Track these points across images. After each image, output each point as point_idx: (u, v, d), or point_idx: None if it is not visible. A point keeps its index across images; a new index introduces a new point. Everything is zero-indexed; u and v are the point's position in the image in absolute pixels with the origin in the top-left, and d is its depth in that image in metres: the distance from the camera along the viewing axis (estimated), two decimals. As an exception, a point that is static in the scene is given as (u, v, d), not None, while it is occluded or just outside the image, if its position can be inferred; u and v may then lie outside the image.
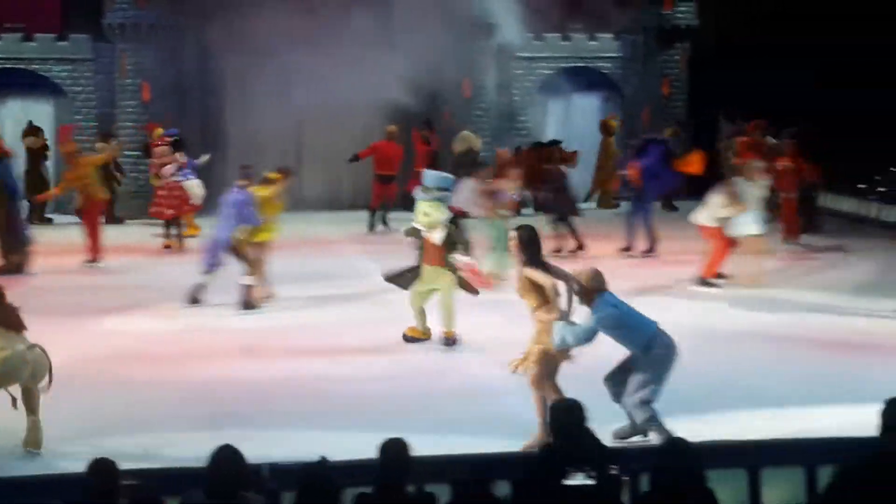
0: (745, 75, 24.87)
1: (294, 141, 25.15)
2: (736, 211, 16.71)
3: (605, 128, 26.05)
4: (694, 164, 19.78)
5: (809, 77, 24.78)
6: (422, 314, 13.79)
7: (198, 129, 24.27)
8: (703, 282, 16.89)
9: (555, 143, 21.92)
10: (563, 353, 9.83)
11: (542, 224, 16.37)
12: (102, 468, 6.90)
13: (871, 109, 24.81)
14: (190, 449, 8.62)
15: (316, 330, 14.46)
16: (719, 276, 17.02)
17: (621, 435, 9.74)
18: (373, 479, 6.89)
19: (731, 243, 16.92)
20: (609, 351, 9.85)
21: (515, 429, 9.92)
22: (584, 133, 26.71)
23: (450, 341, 13.66)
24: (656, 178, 19.72)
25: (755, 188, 17.08)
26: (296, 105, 23.19)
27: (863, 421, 7.63)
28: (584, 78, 27.46)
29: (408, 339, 13.81)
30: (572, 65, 27.33)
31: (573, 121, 27.27)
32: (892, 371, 12.05)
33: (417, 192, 14.05)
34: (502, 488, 7.31)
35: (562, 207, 19.71)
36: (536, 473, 7.02)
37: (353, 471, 7.38)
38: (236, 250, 15.35)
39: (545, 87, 27.28)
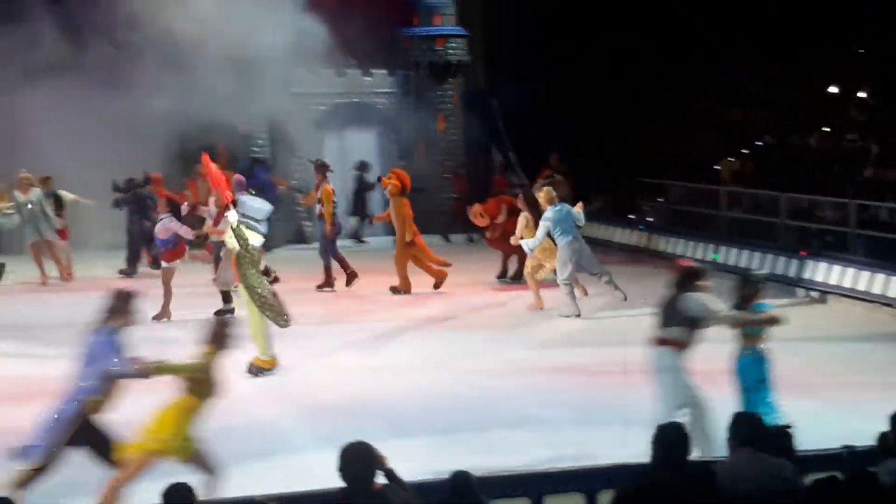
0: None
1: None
2: None
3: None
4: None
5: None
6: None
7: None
8: None
9: None
10: None
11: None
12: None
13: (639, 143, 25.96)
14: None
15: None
16: None
17: None
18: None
19: None
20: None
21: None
22: (361, 168, 26.95)
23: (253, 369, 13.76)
24: None
25: None
26: (63, 141, 22.64)
27: (634, 444, 7.88)
28: (359, 113, 27.67)
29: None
30: (347, 100, 27.50)
31: (349, 156, 27.42)
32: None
33: (232, 214, 14.08)
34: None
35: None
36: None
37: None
38: None
39: (321, 123, 27.35)
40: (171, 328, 16.21)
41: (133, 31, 22.63)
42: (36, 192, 20.61)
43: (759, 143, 26.74)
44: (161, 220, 17.39)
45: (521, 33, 29.13)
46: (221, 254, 17.49)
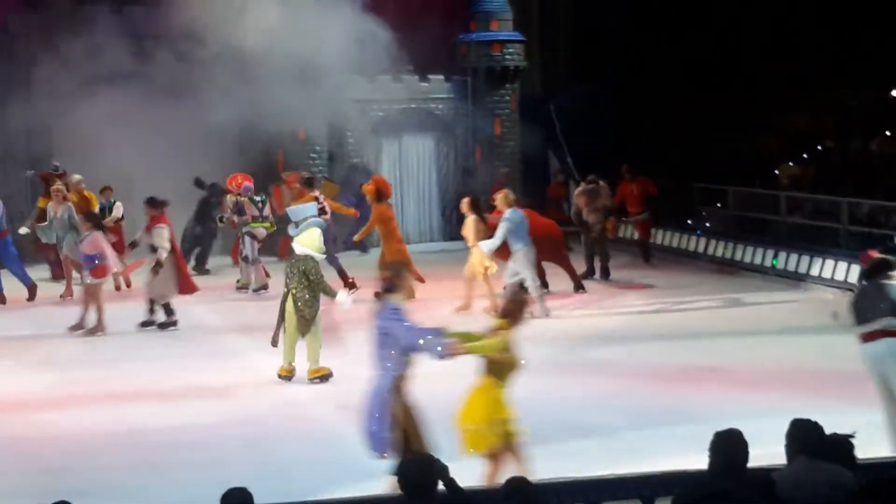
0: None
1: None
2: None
3: None
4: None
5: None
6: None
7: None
8: None
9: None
10: None
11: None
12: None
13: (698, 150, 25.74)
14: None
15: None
16: None
17: None
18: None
19: None
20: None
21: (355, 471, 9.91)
22: (418, 174, 27.05)
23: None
24: None
25: None
26: (127, 150, 22.85)
27: (694, 448, 7.83)
28: (416, 119, 27.69)
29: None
30: (405, 106, 27.51)
31: (407, 161, 27.46)
32: (720, 400, 12.38)
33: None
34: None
35: None
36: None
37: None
38: None
39: (378, 129, 27.39)
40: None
41: (196, 40, 22.84)
42: (67, 206, 20.59)
43: (820, 148, 26.48)
44: (87, 236, 17.04)
45: (579, 38, 29.09)
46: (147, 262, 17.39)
